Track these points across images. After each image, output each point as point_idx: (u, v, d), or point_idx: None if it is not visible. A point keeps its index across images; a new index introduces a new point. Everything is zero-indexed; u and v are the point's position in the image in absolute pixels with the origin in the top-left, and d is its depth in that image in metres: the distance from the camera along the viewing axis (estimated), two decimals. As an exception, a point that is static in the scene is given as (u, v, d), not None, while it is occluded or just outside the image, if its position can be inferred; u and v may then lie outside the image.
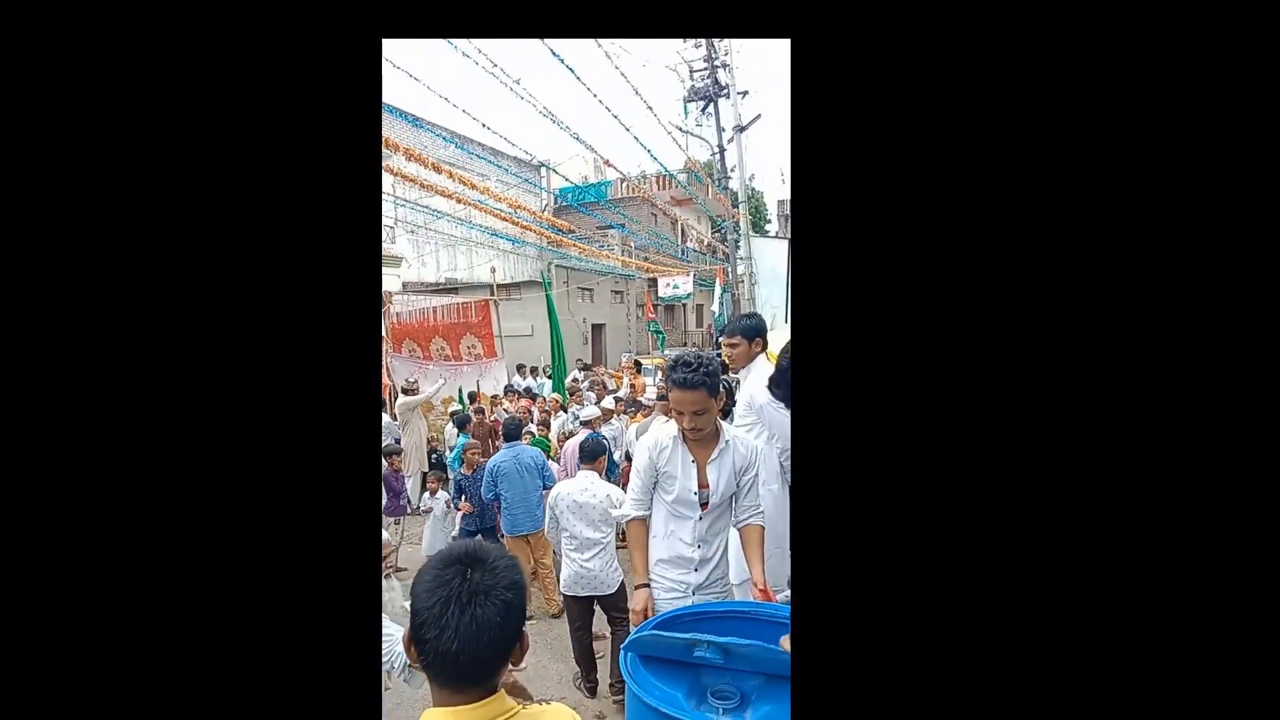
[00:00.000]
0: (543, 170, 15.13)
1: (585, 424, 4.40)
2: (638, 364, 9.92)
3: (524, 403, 7.15)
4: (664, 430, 1.99)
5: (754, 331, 2.44)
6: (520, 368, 10.14)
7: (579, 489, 2.92)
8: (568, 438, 4.82)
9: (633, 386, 6.97)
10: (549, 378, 9.48)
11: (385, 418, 6.22)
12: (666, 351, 10.93)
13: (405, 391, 6.66)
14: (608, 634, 3.09)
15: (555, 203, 17.09)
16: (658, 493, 1.99)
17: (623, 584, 2.91)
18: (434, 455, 6.71)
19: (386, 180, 8.98)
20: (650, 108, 6.05)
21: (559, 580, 3.13)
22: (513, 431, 3.93)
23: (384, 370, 6.96)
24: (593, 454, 3.03)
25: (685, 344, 18.83)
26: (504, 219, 7.64)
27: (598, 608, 2.98)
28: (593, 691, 3.02)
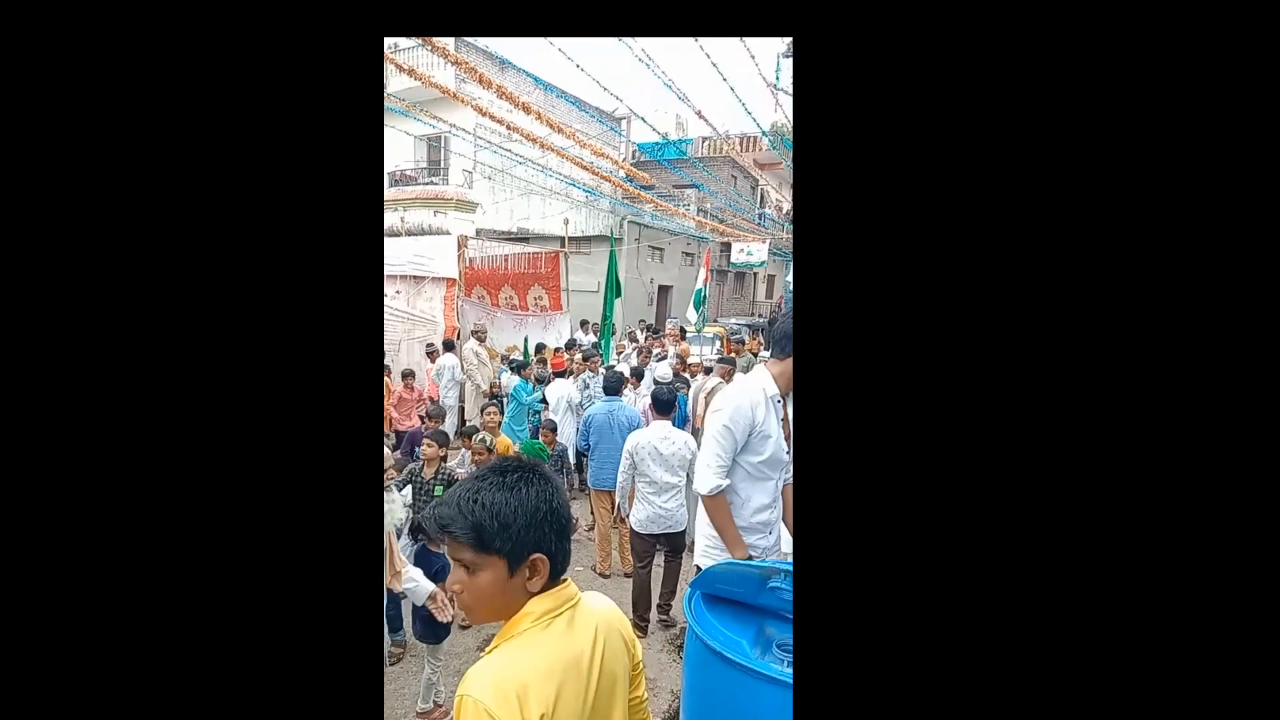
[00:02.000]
0: (623, 122, 14.73)
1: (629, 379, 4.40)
2: (682, 330, 9.58)
3: (562, 358, 6.98)
4: (751, 389, 1.86)
5: None
6: (584, 324, 10.02)
7: (659, 437, 3.13)
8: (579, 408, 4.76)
9: (679, 356, 6.63)
10: (595, 334, 9.28)
11: (452, 358, 6.25)
12: (705, 327, 10.48)
13: (475, 334, 6.66)
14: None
15: (635, 156, 16.67)
16: (741, 456, 1.87)
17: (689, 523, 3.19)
18: (495, 400, 6.74)
19: (468, 119, 8.88)
20: (753, 56, 5.58)
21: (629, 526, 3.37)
22: (612, 386, 4.00)
23: (453, 313, 6.98)
24: (667, 405, 3.23)
25: (752, 313, 18.32)
26: (583, 166, 7.40)
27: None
28: (644, 631, 3.17)
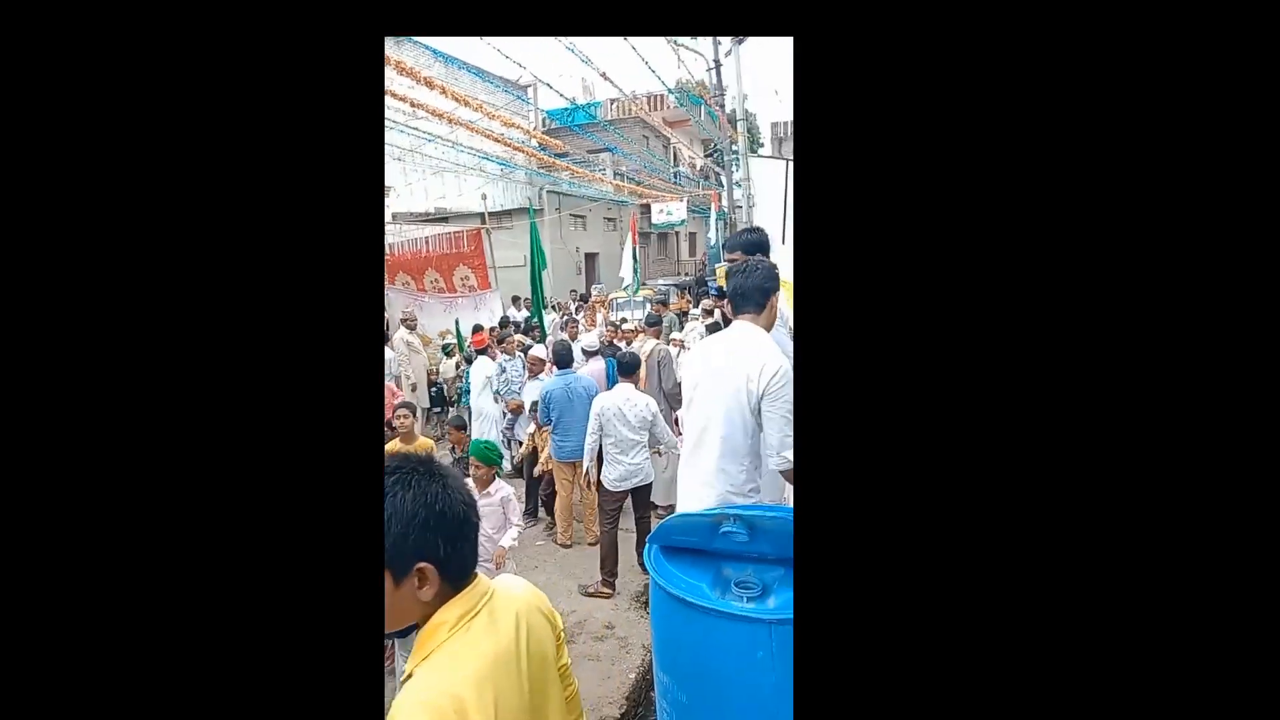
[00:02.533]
0: (529, 90, 14.36)
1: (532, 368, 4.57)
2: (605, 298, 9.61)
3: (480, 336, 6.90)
4: (780, 356, 1.77)
5: (755, 247, 2.20)
6: (515, 299, 9.93)
7: (623, 399, 3.36)
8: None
9: (611, 324, 6.49)
10: (528, 309, 9.24)
11: (387, 351, 6.11)
12: (640, 291, 10.60)
13: (404, 323, 6.52)
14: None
15: (545, 124, 16.32)
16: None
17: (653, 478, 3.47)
18: (434, 388, 6.65)
19: (367, 100, 8.45)
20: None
21: (600, 487, 3.55)
22: (564, 358, 4.02)
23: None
24: (630, 368, 3.48)
25: (678, 273, 18.57)
26: (495, 139, 7.25)
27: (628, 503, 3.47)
28: (613, 587, 3.33)
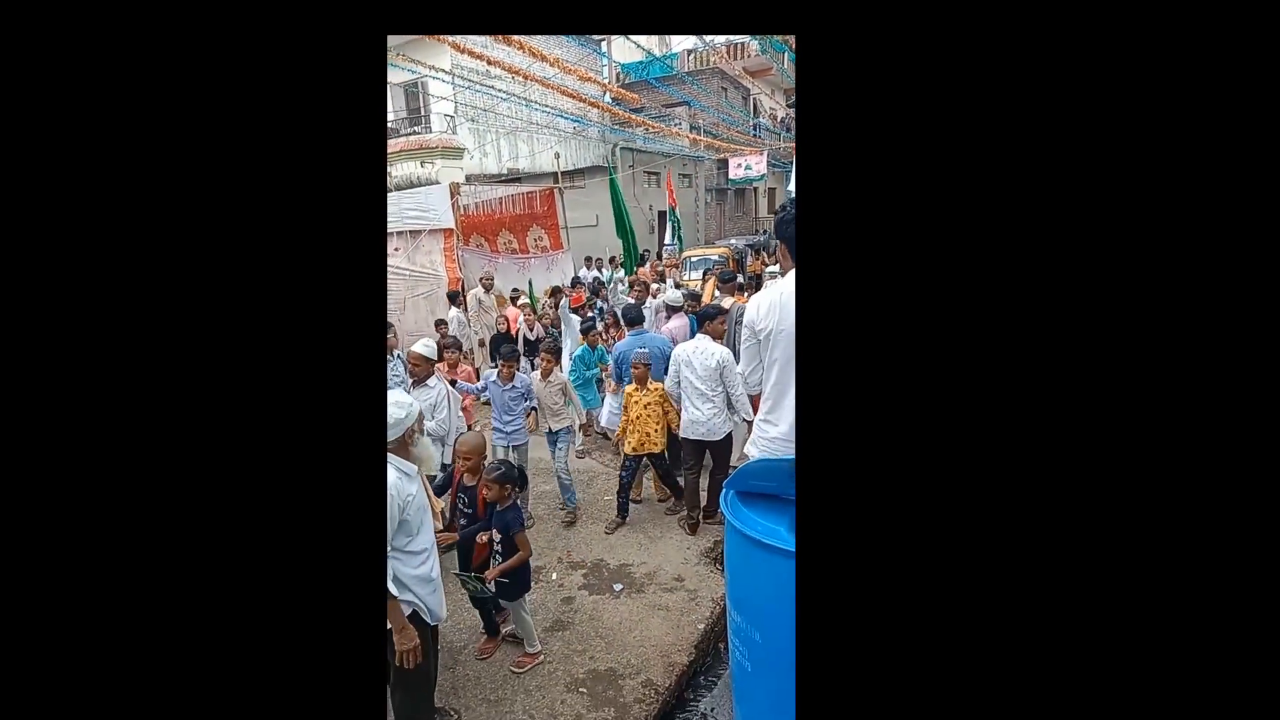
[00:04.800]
0: (604, 43, 13.99)
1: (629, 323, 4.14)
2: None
3: (580, 293, 6.87)
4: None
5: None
6: (588, 260, 9.89)
7: (694, 348, 3.41)
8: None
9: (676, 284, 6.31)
10: (620, 267, 9.18)
11: (456, 312, 6.24)
12: (683, 250, 10.29)
13: (482, 282, 6.62)
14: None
15: (620, 79, 15.94)
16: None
17: (729, 435, 3.43)
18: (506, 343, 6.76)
19: (445, 60, 8.48)
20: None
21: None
22: (634, 318, 4.03)
23: (454, 265, 6.91)
24: (708, 317, 3.54)
25: (756, 231, 17.92)
26: (569, 94, 7.09)
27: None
28: (694, 529, 3.48)
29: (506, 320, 5.99)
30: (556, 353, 4.03)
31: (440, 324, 5.87)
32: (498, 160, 12.81)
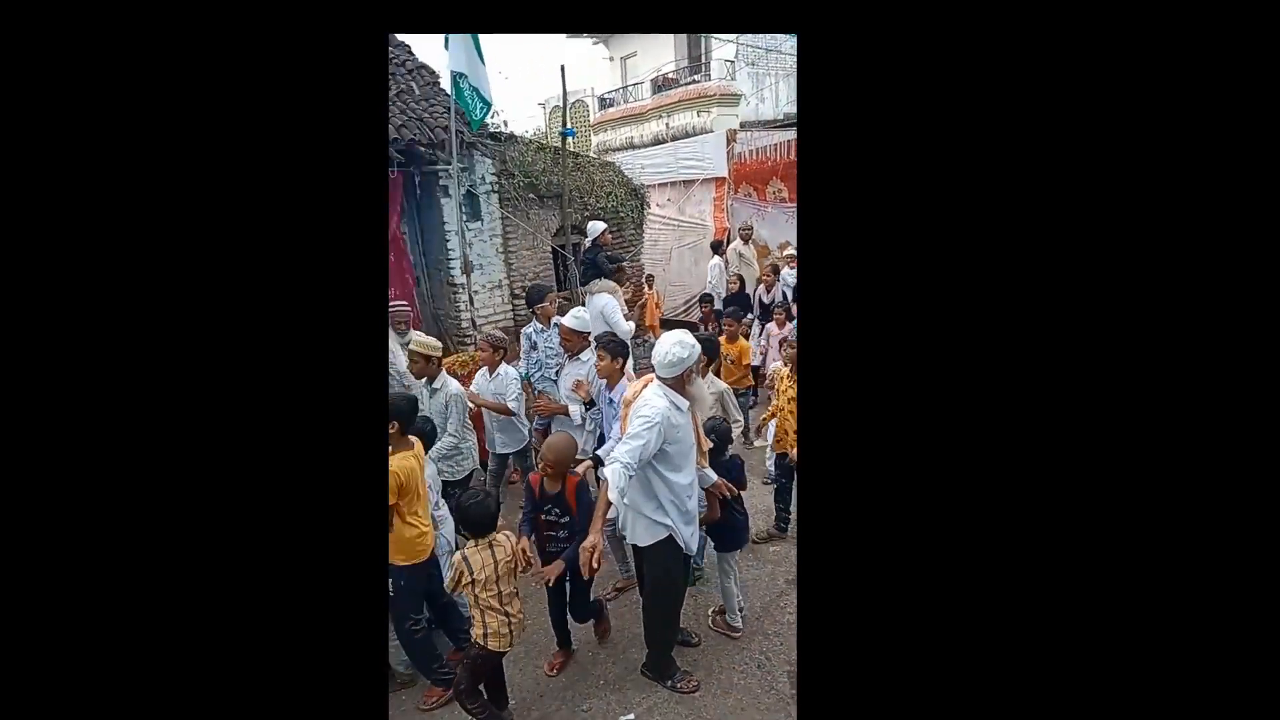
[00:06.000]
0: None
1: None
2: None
3: None
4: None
5: None
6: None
7: None
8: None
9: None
10: None
11: (717, 260, 6.26)
12: None
13: (741, 233, 6.56)
14: None
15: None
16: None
17: None
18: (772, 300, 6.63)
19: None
20: None
21: None
22: None
23: (723, 214, 6.93)
24: None
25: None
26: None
27: None
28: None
29: (739, 280, 5.66)
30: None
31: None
32: (775, 105, 12.39)
